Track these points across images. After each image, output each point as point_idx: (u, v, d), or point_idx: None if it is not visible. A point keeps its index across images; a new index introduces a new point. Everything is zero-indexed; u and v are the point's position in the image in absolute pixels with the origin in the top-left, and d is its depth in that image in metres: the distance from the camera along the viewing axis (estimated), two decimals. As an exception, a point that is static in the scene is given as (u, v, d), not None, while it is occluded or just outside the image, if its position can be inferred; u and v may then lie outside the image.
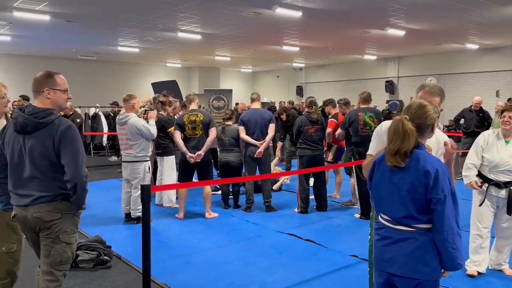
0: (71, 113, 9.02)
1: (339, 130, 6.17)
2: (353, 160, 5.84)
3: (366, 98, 5.96)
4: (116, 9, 10.09)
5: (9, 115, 2.99)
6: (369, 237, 2.89)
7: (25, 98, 9.38)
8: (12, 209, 2.59)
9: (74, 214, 2.58)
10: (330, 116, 6.78)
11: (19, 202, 2.51)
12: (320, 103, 7.22)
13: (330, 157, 6.85)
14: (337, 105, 6.97)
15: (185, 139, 5.80)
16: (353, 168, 5.95)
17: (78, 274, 3.89)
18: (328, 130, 6.40)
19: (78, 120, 9.17)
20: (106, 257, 4.14)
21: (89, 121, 13.10)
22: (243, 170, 6.58)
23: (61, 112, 2.73)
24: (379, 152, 2.30)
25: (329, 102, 6.99)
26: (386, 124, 2.65)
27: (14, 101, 9.05)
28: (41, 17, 10.61)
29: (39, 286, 2.55)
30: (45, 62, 19.09)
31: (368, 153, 2.71)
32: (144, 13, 10.38)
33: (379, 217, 2.28)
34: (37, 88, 2.56)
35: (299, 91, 22.48)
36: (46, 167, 2.47)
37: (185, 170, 5.88)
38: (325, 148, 6.60)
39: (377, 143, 2.64)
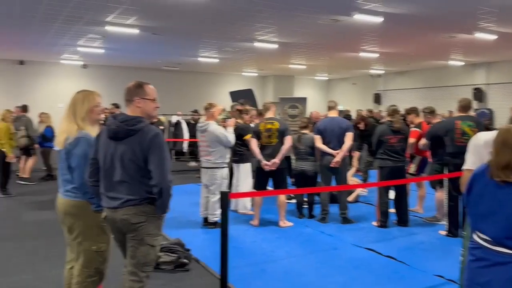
0: (155, 120, 9.55)
1: (423, 141, 5.80)
2: (446, 172, 5.41)
3: (466, 106, 5.49)
4: (199, 22, 10.55)
5: (102, 122, 3.20)
6: (461, 257, 2.65)
7: (116, 106, 10.09)
8: (103, 211, 2.77)
9: (158, 217, 2.69)
10: (413, 125, 6.42)
11: (109, 204, 2.67)
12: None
13: (412, 169, 6.46)
14: (422, 114, 6.58)
15: (261, 147, 5.83)
16: (445, 181, 5.50)
17: (159, 275, 4.05)
18: (411, 140, 6.04)
19: (161, 127, 9.67)
20: (185, 260, 4.27)
21: (171, 128, 13.76)
22: (318, 180, 6.45)
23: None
24: (476, 165, 2.10)
25: (412, 111, 6.62)
26: (483, 135, 2.42)
27: (105, 109, 9.76)
28: (131, 30, 11.42)
29: (125, 285, 2.69)
30: (134, 73, 20.44)
31: (465, 167, 2.48)
32: (224, 25, 10.73)
33: (475, 235, 2.07)
34: (129, 97, 2.71)
35: (377, 98, 21.69)
36: (135, 172, 2.60)
37: (260, 178, 5.91)
38: (407, 159, 6.24)
39: (475, 156, 2.41)
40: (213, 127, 5.61)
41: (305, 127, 6.53)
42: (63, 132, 2.91)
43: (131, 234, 2.63)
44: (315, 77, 24.98)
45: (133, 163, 2.59)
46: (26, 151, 9.03)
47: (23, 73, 19.04)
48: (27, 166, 9.14)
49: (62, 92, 19.70)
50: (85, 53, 16.27)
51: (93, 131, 2.92)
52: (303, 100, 13.28)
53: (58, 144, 2.92)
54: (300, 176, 6.37)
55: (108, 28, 11.18)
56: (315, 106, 18.41)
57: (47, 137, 9.32)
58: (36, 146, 9.16)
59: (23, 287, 3.84)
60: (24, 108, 9.75)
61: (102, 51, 15.58)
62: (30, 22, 10.94)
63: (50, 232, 5.42)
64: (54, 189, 7.60)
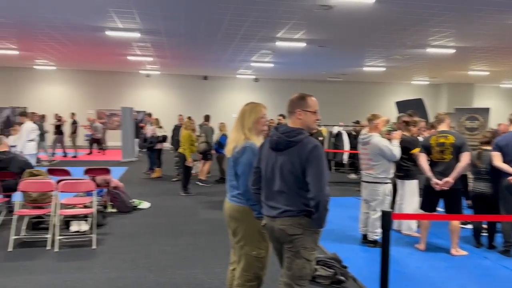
0: (314, 131, 9.61)
1: None
2: None
3: None
4: (367, 31, 10.29)
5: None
6: None
7: (283, 116, 10.54)
8: (263, 218, 2.86)
9: (314, 231, 2.64)
10: None
11: (268, 212, 2.75)
12: None
13: None
14: None
15: (431, 163, 5.27)
16: None
17: (314, 288, 4.00)
18: None
19: (320, 138, 9.69)
20: (342, 277, 4.13)
21: (332, 138, 13.72)
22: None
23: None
24: None
25: None
26: None
27: (270, 119, 10.22)
28: (298, 44, 11.85)
29: (281, 294, 2.71)
30: (299, 84, 21.28)
31: None
32: (394, 32, 10.21)
33: None
34: (291, 109, 2.76)
35: None
36: (293, 183, 2.62)
37: (428, 198, 5.34)
38: None
39: None
40: (376, 139, 5.33)
41: (487, 143, 5.66)
42: (232, 141, 3.13)
43: (287, 245, 2.65)
44: (500, 84, 21.76)
45: (291, 174, 2.61)
46: (205, 155, 10.17)
47: (206, 87, 21.68)
48: (204, 169, 10.29)
49: (236, 103, 21.74)
50: (257, 67, 17.57)
51: (258, 141, 3.06)
52: (484, 111, 11.64)
53: (227, 152, 3.15)
54: (478, 199, 5.54)
55: (278, 43, 11.83)
56: (499, 118, 15.97)
57: (222, 144, 10.33)
58: (213, 151, 10.23)
59: (192, 279, 4.26)
60: (207, 118, 11.00)
61: (271, 65, 16.58)
62: (212, 41, 12.38)
63: (220, 231, 5.94)
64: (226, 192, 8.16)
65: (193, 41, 12.40)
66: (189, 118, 9.55)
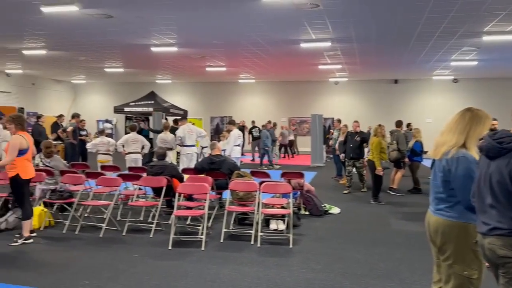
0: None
1: None
2: None
3: None
4: None
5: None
6: None
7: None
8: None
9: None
10: None
11: (479, 228, 2.46)
12: None
13: None
14: None
15: None
16: None
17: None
18: None
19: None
20: None
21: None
22: None
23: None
24: None
25: None
26: None
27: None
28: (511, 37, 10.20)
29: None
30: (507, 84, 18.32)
31: None
32: None
33: None
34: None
35: None
36: (502, 196, 2.28)
37: None
38: None
39: None
40: None
41: None
42: (443, 144, 2.83)
43: (500, 269, 2.32)
44: None
45: (500, 185, 2.29)
46: (397, 163, 9.68)
47: (396, 91, 20.71)
48: (396, 177, 9.80)
49: (430, 107, 20.11)
50: (457, 67, 15.89)
51: (475, 152, 2.72)
52: None
53: (435, 155, 2.87)
54: None
55: (485, 38, 10.43)
56: None
57: (416, 151, 9.67)
58: (406, 159, 9.66)
59: (390, 292, 4.09)
60: (398, 124, 10.49)
61: (474, 63, 14.75)
62: (406, 43, 11.75)
63: (417, 245, 5.56)
64: (421, 203, 7.74)
65: (384, 45, 12.03)
66: (380, 125, 9.24)
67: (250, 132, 17.08)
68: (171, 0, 8.05)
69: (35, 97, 21.78)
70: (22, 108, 19.71)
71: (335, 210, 7.66)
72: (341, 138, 10.97)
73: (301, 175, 7.29)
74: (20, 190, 5.51)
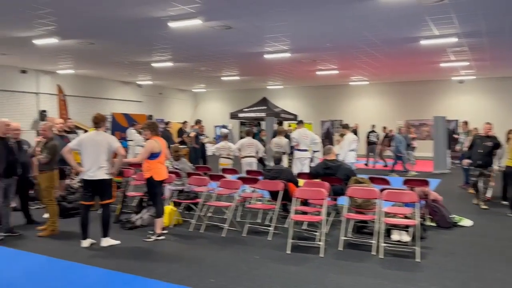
0: None
1: None
2: None
3: None
4: None
5: None
6: None
7: None
8: None
9: None
10: None
11: None
12: None
13: None
14: None
15: None
16: None
17: None
18: None
19: None
20: None
21: None
22: None
23: None
24: None
25: None
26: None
27: None
28: None
29: None
30: None
31: None
32: None
33: None
34: None
35: None
36: None
37: None
38: None
39: None
40: None
41: None
42: None
43: None
44: None
45: None
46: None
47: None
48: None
49: None
50: None
51: None
52: None
53: None
54: None
55: None
56: None
57: None
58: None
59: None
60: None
61: None
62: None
63: None
64: None
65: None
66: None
67: (368, 136, 16.41)
68: (287, 7, 8.15)
69: (162, 105, 24.01)
70: (151, 116, 21.83)
71: (467, 222, 6.91)
72: (467, 143, 9.82)
73: (425, 183, 6.75)
74: (153, 190, 6.05)
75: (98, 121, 5.85)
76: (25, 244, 5.81)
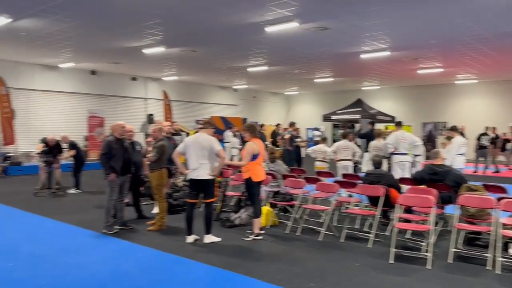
0: None
1: None
2: None
3: None
4: None
5: None
6: None
7: None
8: None
9: None
10: None
11: None
12: None
13: None
14: None
15: None
16: None
17: None
18: None
19: None
20: None
21: None
22: None
23: None
24: None
25: None
26: None
27: None
28: None
29: None
30: None
31: None
32: None
33: None
34: None
35: None
36: None
37: None
38: None
39: None
40: None
41: None
42: None
43: None
44: None
45: None
46: None
47: None
48: None
49: None
50: None
51: None
52: None
53: None
54: None
55: None
56: None
57: None
58: None
59: None
60: None
61: None
62: None
63: None
64: None
65: None
66: None
67: (478, 139, 14.98)
68: (388, 4, 7.80)
69: (256, 108, 24.61)
70: (245, 119, 22.51)
71: None
72: None
73: (552, 193, 5.94)
74: (251, 190, 6.19)
75: (205, 123, 6.25)
76: (137, 237, 6.32)
